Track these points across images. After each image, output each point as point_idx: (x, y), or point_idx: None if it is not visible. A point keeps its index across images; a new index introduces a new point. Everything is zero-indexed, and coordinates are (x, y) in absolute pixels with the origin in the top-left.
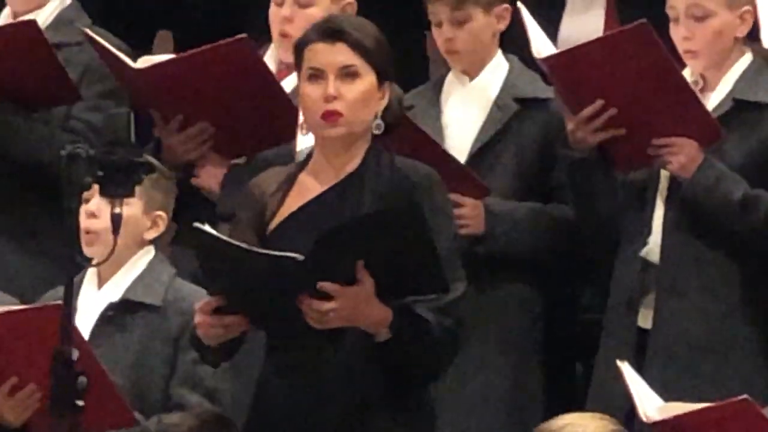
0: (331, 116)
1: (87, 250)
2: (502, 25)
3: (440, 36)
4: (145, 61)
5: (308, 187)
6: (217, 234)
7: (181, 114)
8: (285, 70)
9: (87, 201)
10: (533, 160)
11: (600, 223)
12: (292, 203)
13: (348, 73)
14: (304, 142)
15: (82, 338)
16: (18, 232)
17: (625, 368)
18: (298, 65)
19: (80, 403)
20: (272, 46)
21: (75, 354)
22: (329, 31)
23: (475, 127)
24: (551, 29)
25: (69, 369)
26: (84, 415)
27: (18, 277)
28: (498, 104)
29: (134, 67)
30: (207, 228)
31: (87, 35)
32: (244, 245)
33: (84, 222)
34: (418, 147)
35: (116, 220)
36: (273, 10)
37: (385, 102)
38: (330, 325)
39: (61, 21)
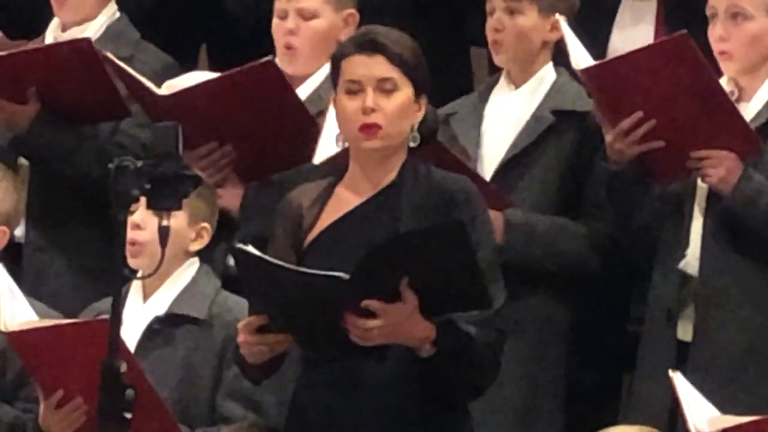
0: (369, 129)
1: (132, 262)
2: (555, 35)
3: (490, 26)
4: (169, 87)
5: (345, 200)
6: (261, 255)
7: (205, 138)
8: (292, 84)
9: (131, 213)
10: (564, 174)
11: (638, 235)
12: (329, 216)
13: (386, 86)
14: (321, 155)
15: (128, 351)
16: (64, 246)
17: (678, 378)
18: (334, 77)
19: (128, 415)
20: (276, 60)
21: (123, 366)
22: (367, 43)
23: (510, 136)
24: (600, 42)
25: (117, 381)
26: (131, 428)
27: (64, 291)
28: (536, 116)
29: (158, 94)
30: (250, 249)
31: (109, 60)
32: (288, 265)
33: (129, 233)
34: (436, 158)
35: (164, 234)
36: (276, 23)
37: (421, 114)
38: (374, 342)
39: (110, 34)
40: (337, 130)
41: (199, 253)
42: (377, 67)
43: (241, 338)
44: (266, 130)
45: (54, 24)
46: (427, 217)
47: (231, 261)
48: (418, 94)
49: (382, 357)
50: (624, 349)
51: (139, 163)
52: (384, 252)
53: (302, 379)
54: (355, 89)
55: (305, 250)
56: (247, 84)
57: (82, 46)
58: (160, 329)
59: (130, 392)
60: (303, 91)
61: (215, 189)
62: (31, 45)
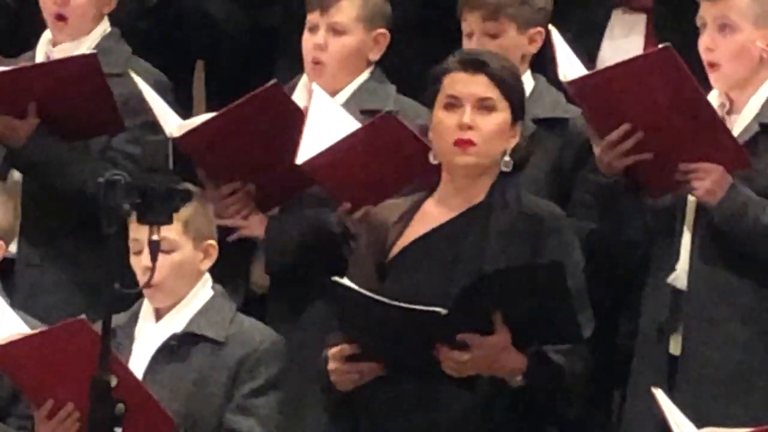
0: (464, 144)
1: (152, 301)
2: (533, 48)
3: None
4: (181, 128)
5: (432, 216)
6: (357, 288)
7: (223, 172)
8: None
9: (138, 253)
10: (549, 181)
11: (628, 247)
12: (415, 231)
13: (485, 106)
14: (303, 155)
15: (119, 361)
16: (57, 261)
17: (660, 396)
18: (433, 91)
19: (118, 430)
20: (304, 76)
21: (113, 381)
22: (471, 61)
23: None
24: (591, 56)
25: (107, 396)
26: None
27: (56, 307)
28: None
29: (170, 136)
30: (346, 281)
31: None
32: (385, 299)
33: (142, 278)
34: (393, 134)
35: (154, 248)
36: (306, 36)
37: (515, 140)
38: (466, 373)
39: (101, 50)
40: (320, 128)
41: (220, 274)
42: (478, 85)
43: (332, 366)
44: (281, 154)
45: (44, 39)
46: (514, 241)
47: (259, 279)
48: (514, 119)
49: (471, 387)
50: (614, 364)
51: (130, 178)
52: (482, 287)
53: (376, 394)
54: (454, 105)
55: (389, 264)
56: (256, 111)
57: (89, 61)
58: (176, 346)
59: (120, 407)
60: None
61: (207, 201)
62: (23, 61)
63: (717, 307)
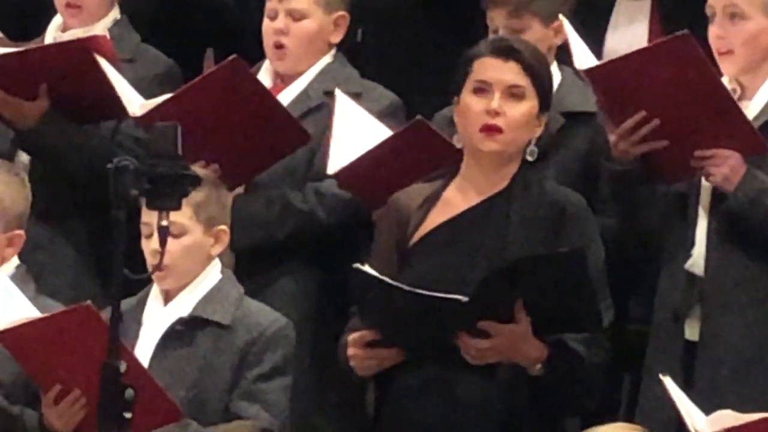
0: (490, 130)
1: (161, 284)
2: (559, 40)
3: None
4: (143, 107)
5: (454, 203)
6: (379, 275)
7: (187, 149)
8: (281, 84)
9: (149, 236)
10: (578, 174)
11: (643, 235)
12: (437, 217)
13: (514, 93)
14: (334, 164)
15: (124, 347)
16: (63, 244)
17: (669, 383)
18: (462, 75)
19: (128, 415)
20: (266, 61)
21: (123, 366)
22: (504, 48)
23: None
24: (596, 42)
25: (116, 382)
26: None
27: (62, 289)
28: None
29: (132, 115)
30: (368, 269)
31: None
32: (406, 287)
33: (151, 260)
34: (421, 138)
35: (163, 234)
36: (266, 23)
37: (540, 130)
38: (486, 361)
39: (111, 37)
40: (345, 139)
41: None
42: (509, 72)
43: (351, 352)
44: (244, 130)
45: (54, 25)
46: (536, 229)
47: (224, 257)
48: (542, 108)
49: (491, 375)
50: (624, 348)
51: (139, 164)
52: (503, 275)
53: (400, 379)
54: (483, 90)
55: (410, 249)
56: (217, 86)
57: (98, 42)
58: (182, 330)
59: (129, 392)
60: (292, 90)
61: (222, 185)
62: (34, 43)
63: (734, 292)
